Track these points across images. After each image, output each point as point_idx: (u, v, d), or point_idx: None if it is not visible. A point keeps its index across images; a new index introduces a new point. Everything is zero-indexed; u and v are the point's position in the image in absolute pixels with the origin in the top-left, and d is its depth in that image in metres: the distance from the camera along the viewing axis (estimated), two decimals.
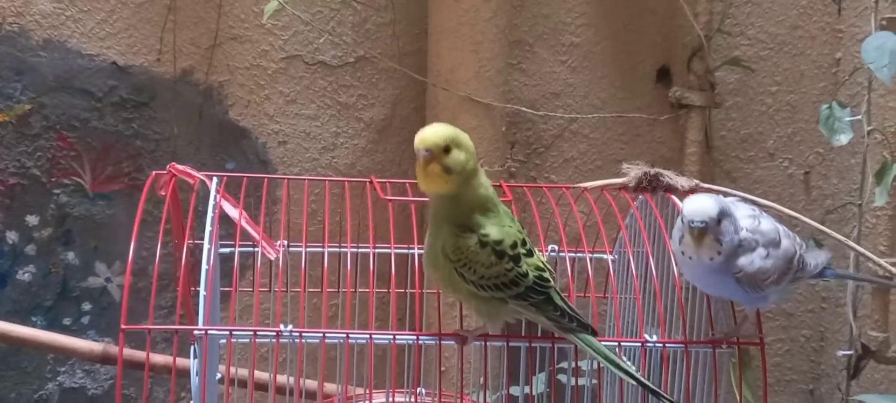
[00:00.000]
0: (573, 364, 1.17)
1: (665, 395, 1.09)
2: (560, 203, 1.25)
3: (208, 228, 1.15)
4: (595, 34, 2.02)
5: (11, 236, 1.94)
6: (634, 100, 2.04)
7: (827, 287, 2.04)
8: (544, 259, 1.12)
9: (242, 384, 1.31)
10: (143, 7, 1.91)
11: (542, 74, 2.01)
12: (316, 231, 1.20)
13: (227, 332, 1.10)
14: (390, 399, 1.22)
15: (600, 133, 2.03)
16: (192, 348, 1.11)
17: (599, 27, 2.01)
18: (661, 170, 1.24)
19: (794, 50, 2.04)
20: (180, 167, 1.23)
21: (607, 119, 2.02)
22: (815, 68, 2.04)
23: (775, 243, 1.09)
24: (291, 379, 1.16)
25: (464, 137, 1.08)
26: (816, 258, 1.15)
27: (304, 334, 1.10)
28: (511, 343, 1.14)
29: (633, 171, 1.23)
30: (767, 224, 1.10)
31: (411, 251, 1.23)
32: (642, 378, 1.09)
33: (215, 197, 1.19)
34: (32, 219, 1.94)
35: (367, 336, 1.11)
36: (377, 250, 1.18)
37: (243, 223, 1.18)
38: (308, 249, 1.18)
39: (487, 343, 1.13)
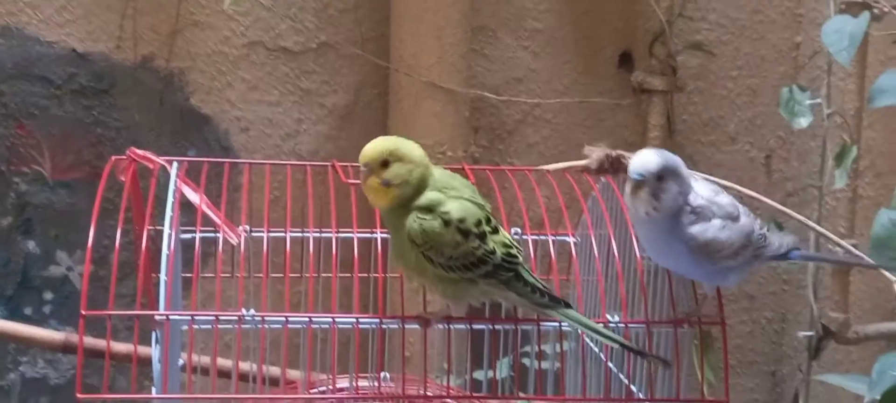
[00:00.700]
0: (536, 349, 1.17)
1: (650, 354, 1.10)
2: (523, 187, 1.25)
3: (168, 213, 1.14)
4: (557, 20, 2.02)
5: None
6: (597, 86, 2.04)
7: (788, 269, 2.06)
8: (509, 236, 1.12)
9: (205, 372, 1.31)
10: None
11: (504, 60, 2.01)
12: (278, 217, 1.20)
13: (189, 317, 1.10)
14: (354, 384, 1.22)
15: (563, 118, 2.04)
16: (153, 334, 1.10)
17: (562, 12, 2.02)
18: (623, 152, 1.24)
19: (754, 34, 2.05)
20: (140, 152, 1.22)
21: (570, 104, 2.03)
22: (776, 52, 2.06)
23: (733, 217, 1.10)
24: (254, 367, 1.16)
25: (407, 148, 1.09)
26: (782, 239, 1.16)
27: (266, 318, 1.10)
28: (474, 326, 1.14)
29: (595, 153, 1.23)
30: (727, 199, 1.11)
31: (374, 235, 1.23)
32: (627, 342, 1.10)
33: (175, 181, 1.19)
34: None
35: (330, 319, 1.10)
36: (340, 235, 1.17)
37: (204, 207, 1.17)
38: (270, 234, 1.18)
39: (451, 326, 1.13)
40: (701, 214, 1.09)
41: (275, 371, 1.37)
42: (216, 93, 1.95)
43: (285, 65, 1.96)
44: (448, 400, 1.28)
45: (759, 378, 2.14)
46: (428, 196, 1.08)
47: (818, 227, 1.53)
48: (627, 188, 1.08)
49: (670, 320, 1.14)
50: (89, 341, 1.56)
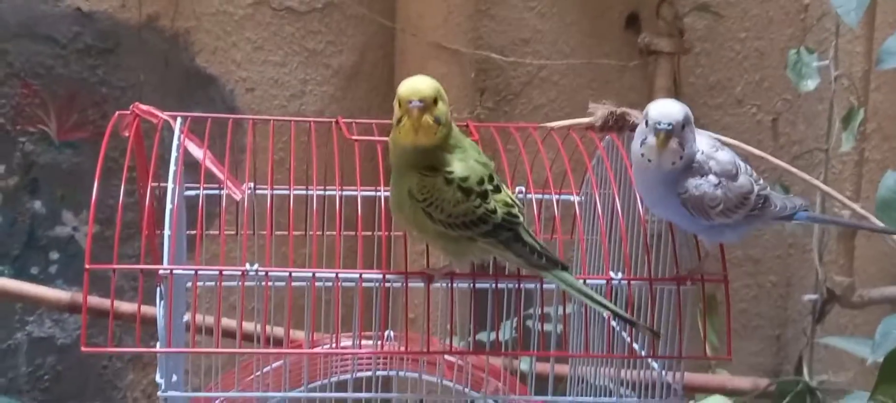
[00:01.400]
0: (539, 311, 1.17)
1: (641, 324, 1.10)
2: (527, 146, 1.25)
3: (172, 168, 1.14)
4: None
5: None
6: (603, 47, 2.03)
7: (793, 233, 2.06)
8: (513, 195, 1.12)
9: (209, 332, 1.31)
10: None
11: (511, 20, 2.00)
12: (282, 179, 1.20)
13: (193, 271, 1.10)
14: (358, 342, 1.22)
15: (569, 80, 2.03)
16: (158, 289, 1.10)
17: None
18: (628, 110, 1.23)
19: None
20: (144, 107, 1.22)
21: (576, 65, 2.02)
22: (783, 14, 2.05)
23: (730, 175, 1.09)
24: (258, 326, 1.16)
25: (442, 89, 1.09)
26: (787, 200, 1.15)
27: (270, 273, 1.10)
28: (478, 284, 1.14)
29: (600, 111, 1.23)
30: (727, 156, 1.10)
31: (378, 193, 1.23)
32: (618, 309, 1.10)
33: (179, 136, 1.18)
34: None
35: (334, 274, 1.10)
36: (344, 192, 1.17)
37: (208, 162, 1.17)
38: (274, 192, 1.17)
39: (454, 283, 1.13)
40: (696, 169, 1.08)
41: (279, 331, 1.37)
42: (221, 53, 1.94)
43: (291, 25, 1.95)
44: (449, 356, 1.28)
45: (763, 341, 2.14)
46: (440, 156, 1.08)
47: (824, 186, 1.53)
48: (648, 139, 1.07)
49: (673, 277, 1.13)
50: (95, 300, 1.57)
